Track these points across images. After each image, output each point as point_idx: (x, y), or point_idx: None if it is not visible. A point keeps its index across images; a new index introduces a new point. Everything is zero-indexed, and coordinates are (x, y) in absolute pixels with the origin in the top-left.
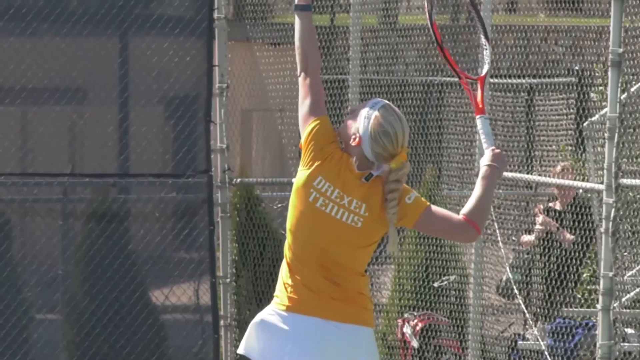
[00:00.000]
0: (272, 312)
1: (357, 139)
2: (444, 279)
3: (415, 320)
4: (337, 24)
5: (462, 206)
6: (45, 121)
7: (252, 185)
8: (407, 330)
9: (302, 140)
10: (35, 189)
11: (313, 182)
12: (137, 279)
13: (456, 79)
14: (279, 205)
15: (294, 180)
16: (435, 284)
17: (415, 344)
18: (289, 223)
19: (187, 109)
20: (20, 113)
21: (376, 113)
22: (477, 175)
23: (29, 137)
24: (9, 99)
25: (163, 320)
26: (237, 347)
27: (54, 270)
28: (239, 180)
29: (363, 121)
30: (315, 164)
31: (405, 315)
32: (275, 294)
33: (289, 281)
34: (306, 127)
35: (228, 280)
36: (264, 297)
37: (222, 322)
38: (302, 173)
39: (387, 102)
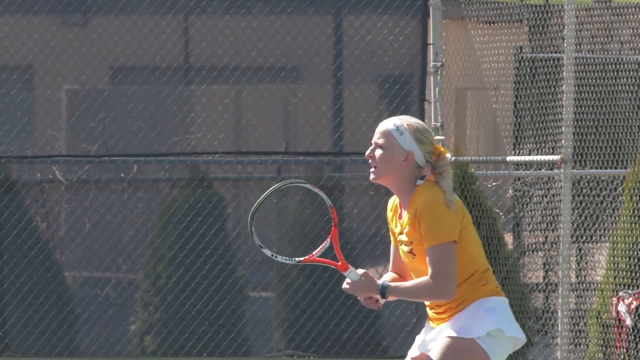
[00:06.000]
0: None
1: (409, 156)
2: None
3: (630, 299)
4: (552, 3)
5: None
6: (260, 100)
7: (466, 164)
8: (621, 308)
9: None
10: (250, 167)
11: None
12: (351, 257)
13: None
14: (494, 183)
15: (508, 158)
16: None
17: (629, 322)
18: None
19: (401, 87)
20: (235, 92)
21: (404, 125)
22: None
23: (243, 116)
24: (223, 77)
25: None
26: None
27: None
28: (453, 158)
29: (400, 139)
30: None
31: (620, 293)
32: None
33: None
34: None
35: None
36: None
37: None
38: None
39: (391, 118)
